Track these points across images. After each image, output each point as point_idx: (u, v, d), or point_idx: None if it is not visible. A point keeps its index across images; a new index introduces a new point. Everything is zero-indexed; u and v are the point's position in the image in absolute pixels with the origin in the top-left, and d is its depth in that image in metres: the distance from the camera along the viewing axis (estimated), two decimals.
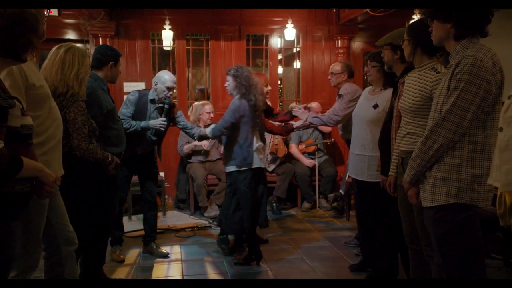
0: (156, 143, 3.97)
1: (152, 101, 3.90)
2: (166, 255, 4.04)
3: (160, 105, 3.89)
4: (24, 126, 1.79)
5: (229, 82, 3.75)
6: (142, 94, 3.94)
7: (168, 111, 3.89)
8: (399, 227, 2.71)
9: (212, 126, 3.90)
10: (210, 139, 4.76)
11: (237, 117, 3.66)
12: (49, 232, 2.29)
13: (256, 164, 3.73)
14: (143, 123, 3.77)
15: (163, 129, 3.82)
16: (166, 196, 5.69)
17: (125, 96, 5.73)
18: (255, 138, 3.75)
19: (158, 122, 3.78)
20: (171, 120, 3.96)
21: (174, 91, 4.01)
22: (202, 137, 4.07)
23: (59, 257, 2.36)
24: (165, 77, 3.87)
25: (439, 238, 2.07)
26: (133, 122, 3.77)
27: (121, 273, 3.70)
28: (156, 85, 3.88)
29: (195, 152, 5.47)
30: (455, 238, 2.03)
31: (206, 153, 5.48)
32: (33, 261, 2.19)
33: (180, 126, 4.06)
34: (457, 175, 1.99)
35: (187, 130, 4.06)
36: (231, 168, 3.75)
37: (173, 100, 6.45)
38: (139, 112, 3.84)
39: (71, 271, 2.43)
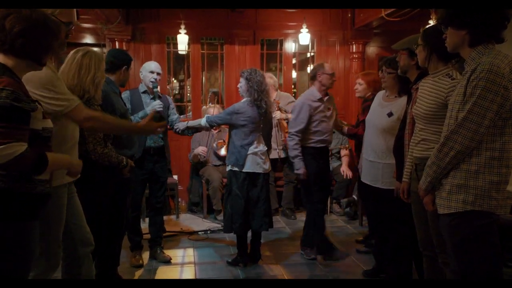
0: (163, 141, 3.94)
1: (145, 92, 3.92)
2: (168, 260, 4.02)
3: (152, 96, 3.86)
4: (45, 128, 1.85)
5: (242, 84, 3.80)
6: (132, 91, 3.97)
7: (159, 95, 3.90)
8: (413, 234, 2.69)
9: (208, 115, 3.95)
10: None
11: (232, 119, 3.73)
12: (67, 233, 2.33)
13: (250, 168, 3.73)
14: (140, 113, 3.72)
15: (161, 108, 3.75)
16: (179, 199, 5.73)
17: None
18: (255, 143, 3.76)
19: (155, 104, 3.74)
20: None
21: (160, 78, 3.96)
22: (191, 129, 3.98)
23: (75, 257, 2.40)
24: (149, 63, 3.96)
25: (455, 245, 2.05)
26: (131, 118, 3.67)
27: (134, 275, 3.73)
28: (141, 74, 3.94)
29: (211, 155, 5.52)
30: (472, 246, 2.00)
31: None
32: (54, 261, 2.24)
33: (168, 121, 4.03)
34: (474, 182, 1.97)
35: (173, 125, 4.01)
36: (228, 167, 3.84)
37: (187, 103, 6.53)
38: (136, 107, 3.82)
39: (88, 271, 2.47)
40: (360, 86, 4.17)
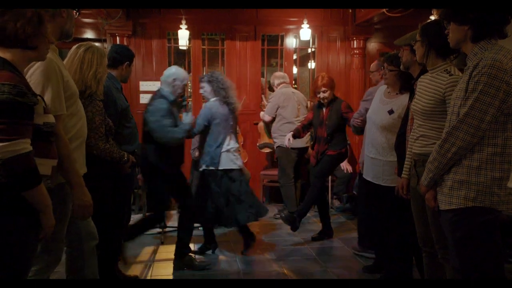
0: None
1: (173, 101, 3.70)
2: (204, 267, 3.80)
3: (174, 100, 3.74)
4: (46, 123, 1.83)
5: (205, 88, 3.88)
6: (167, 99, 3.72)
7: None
8: (414, 231, 2.70)
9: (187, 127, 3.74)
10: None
11: (209, 119, 3.81)
12: (73, 227, 2.34)
13: (226, 165, 3.82)
14: (187, 126, 3.66)
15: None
16: None
17: (141, 95, 5.83)
18: (227, 140, 3.84)
19: (191, 118, 3.72)
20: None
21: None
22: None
23: (81, 251, 2.41)
24: (183, 74, 3.74)
25: (456, 241, 2.04)
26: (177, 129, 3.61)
27: (135, 270, 3.74)
28: (175, 81, 3.66)
29: None
30: (473, 242, 2.00)
31: None
32: (56, 256, 2.23)
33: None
34: (476, 178, 1.97)
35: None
36: (202, 167, 3.90)
37: (188, 99, 6.53)
38: (175, 118, 3.67)
39: (92, 265, 2.47)
40: (326, 93, 4.30)
